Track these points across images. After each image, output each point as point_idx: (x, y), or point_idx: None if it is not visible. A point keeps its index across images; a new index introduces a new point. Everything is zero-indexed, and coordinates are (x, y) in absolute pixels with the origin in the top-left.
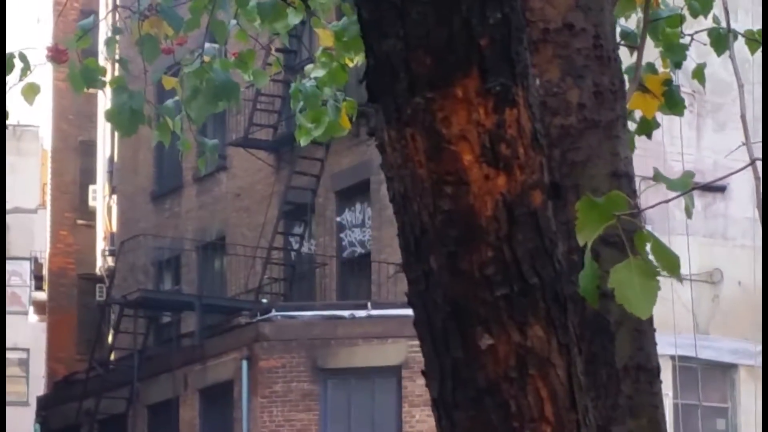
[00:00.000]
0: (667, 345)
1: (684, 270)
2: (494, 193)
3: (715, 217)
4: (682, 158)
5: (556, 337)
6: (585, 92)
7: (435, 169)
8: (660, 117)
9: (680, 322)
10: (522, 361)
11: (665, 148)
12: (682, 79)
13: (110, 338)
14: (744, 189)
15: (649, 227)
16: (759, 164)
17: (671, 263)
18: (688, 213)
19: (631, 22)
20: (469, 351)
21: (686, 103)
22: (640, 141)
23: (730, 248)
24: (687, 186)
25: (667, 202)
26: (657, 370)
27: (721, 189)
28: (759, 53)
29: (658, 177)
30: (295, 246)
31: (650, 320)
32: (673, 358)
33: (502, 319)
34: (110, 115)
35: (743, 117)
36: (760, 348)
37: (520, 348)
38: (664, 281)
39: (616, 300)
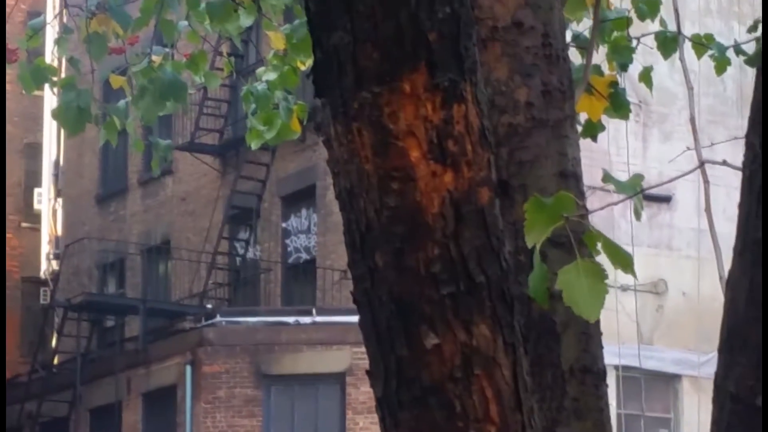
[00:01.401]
0: (611, 355)
1: (628, 280)
2: (441, 190)
3: (660, 228)
4: (628, 168)
5: (502, 336)
6: (533, 91)
7: (381, 165)
8: (606, 127)
9: (624, 332)
10: (467, 361)
11: (611, 158)
12: (629, 88)
13: (53, 341)
14: (689, 200)
15: None
16: (706, 167)
17: (624, 260)
18: (637, 215)
19: (582, 25)
20: (414, 350)
21: (632, 113)
22: (586, 150)
23: (674, 259)
24: (636, 188)
25: (616, 204)
26: (603, 373)
27: (667, 199)
28: (708, 61)
29: (607, 178)
30: (240, 251)
31: (597, 323)
32: (617, 368)
33: (447, 317)
34: (57, 114)
35: (692, 119)
36: (703, 359)
37: (466, 347)
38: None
39: (564, 302)
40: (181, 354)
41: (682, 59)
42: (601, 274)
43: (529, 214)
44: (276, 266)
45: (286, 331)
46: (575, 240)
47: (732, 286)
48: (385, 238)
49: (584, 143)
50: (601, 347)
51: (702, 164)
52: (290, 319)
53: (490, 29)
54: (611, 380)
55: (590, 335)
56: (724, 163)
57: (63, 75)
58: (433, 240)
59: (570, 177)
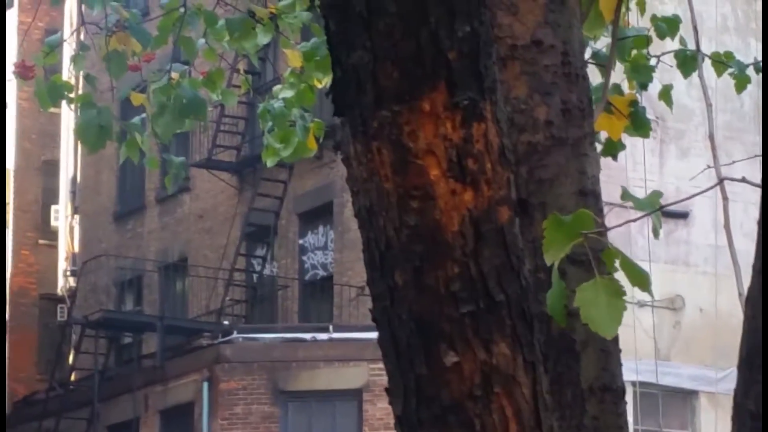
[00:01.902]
0: (628, 371)
1: (646, 296)
2: (461, 209)
3: (677, 244)
4: (645, 184)
5: (522, 354)
6: (553, 109)
7: (401, 184)
8: (623, 142)
9: (641, 348)
10: (487, 379)
11: (628, 174)
12: (646, 104)
13: (71, 358)
14: (706, 216)
15: None
16: (725, 184)
17: (641, 279)
18: (656, 233)
19: (600, 42)
20: (433, 368)
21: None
22: (602, 166)
23: (692, 275)
24: (654, 205)
25: (634, 221)
26: (622, 391)
27: (684, 215)
28: (725, 77)
29: (626, 196)
30: (257, 268)
31: (616, 340)
32: (634, 384)
33: (467, 336)
34: (78, 131)
35: (711, 136)
36: (721, 375)
37: (486, 365)
38: (627, 307)
39: (581, 319)
40: (198, 371)
41: (701, 77)
42: (619, 291)
43: (548, 232)
44: (293, 283)
45: (303, 348)
46: (594, 258)
47: (752, 303)
48: (405, 257)
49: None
50: (620, 365)
51: (721, 181)
52: (307, 336)
53: (509, 48)
54: (628, 396)
55: (609, 353)
56: (744, 180)
57: (80, 92)
58: (452, 258)
59: (589, 195)
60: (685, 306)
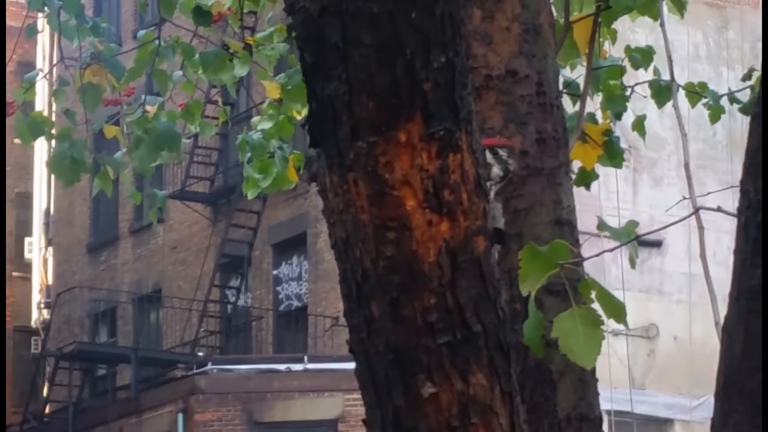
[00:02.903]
0: (603, 399)
1: (619, 325)
2: (437, 240)
3: (651, 272)
4: (618, 213)
5: (499, 385)
6: (528, 139)
7: (377, 215)
8: (596, 172)
9: (616, 377)
10: (464, 410)
11: (601, 203)
12: (619, 133)
13: (45, 391)
14: (680, 244)
15: None
16: (701, 213)
17: (617, 310)
18: (632, 263)
19: (574, 72)
20: (411, 399)
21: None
22: (575, 195)
23: (665, 303)
24: (631, 235)
25: (611, 250)
26: (599, 421)
27: (657, 244)
28: (698, 106)
29: (602, 226)
30: (232, 299)
31: (593, 370)
32: (608, 412)
33: (444, 366)
34: (52, 165)
35: (686, 166)
36: (695, 403)
37: (463, 396)
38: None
39: (560, 349)
40: (173, 402)
41: (676, 107)
42: (597, 321)
43: (523, 262)
44: (267, 314)
45: (278, 379)
46: (570, 288)
47: (728, 332)
48: (382, 288)
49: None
50: (597, 394)
51: (697, 210)
52: (282, 367)
53: (484, 78)
54: (603, 425)
55: (586, 383)
56: (719, 209)
57: (55, 126)
58: (429, 289)
59: (565, 225)
60: (659, 334)
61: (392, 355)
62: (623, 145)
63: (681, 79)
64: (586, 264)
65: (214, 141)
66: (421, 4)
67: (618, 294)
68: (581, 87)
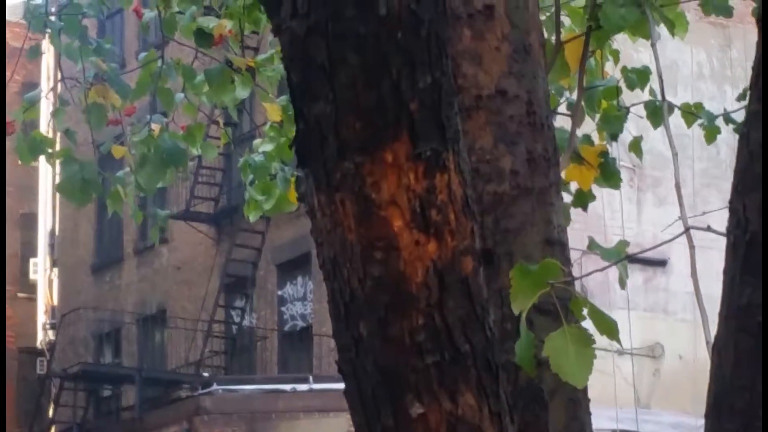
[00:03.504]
0: (607, 419)
1: (625, 344)
2: (425, 260)
3: (656, 291)
4: (622, 232)
5: (488, 405)
6: (518, 159)
7: (365, 235)
8: (601, 191)
9: (621, 396)
10: (453, 430)
11: (606, 222)
12: (623, 153)
13: (50, 411)
14: (684, 263)
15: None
16: (692, 233)
17: (609, 327)
18: (622, 283)
19: (575, 92)
20: (399, 419)
21: (626, 177)
22: (580, 214)
23: (670, 322)
24: (620, 254)
25: (602, 270)
26: None
27: (662, 263)
28: (695, 127)
29: (592, 246)
30: (236, 319)
31: (585, 389)
32: None
33: (433, 387)
34: (61, 187)
35: (677, 185)
36: (700, 422)
37: (451, 416)
38: (606, 355)
39: (552, 368)
40: (177, 422)
41: (666, 126)
42: (588, 340)
43: (514, 281)
44: (272, 334)
45: (282, 399)
46: (561, 307)
47: (718, 351)
48: (369, 308)
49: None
50: (589, 414)
51: (687, 230)
52: (287, 387)
53: (474, 98)
54: None
55: (578, 402)
56: (709, 228)
57: (59, 146)
58: (417, 309)
59: (556, 244)
60: (664, 354)
61: (380, 375)
62: (627, 164)
63: (685, 98)
64: (590, 283)
65: (218, 161)
66: (406, 24)
67: (623, 313)
68: (582, 107)
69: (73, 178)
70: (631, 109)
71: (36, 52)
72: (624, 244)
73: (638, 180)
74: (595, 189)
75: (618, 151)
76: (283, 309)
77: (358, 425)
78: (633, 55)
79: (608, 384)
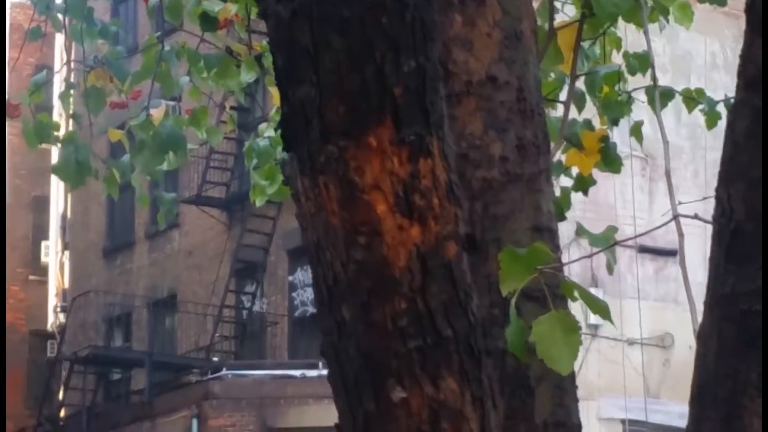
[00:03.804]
0: (617, 409)
1: (635, 334)
2: (408, 244)
3: (667, 281)
4: (634, 222)
5: (470, 390)
6: (508, 145)
7: (348, 219)
8: (613, 181)
9: (631, 386)
10: (435, 415)
11: (617, 212)
12: (635, 143)
13: (60, 394)
14: (696, 253)
15: (600, 291)
16: (681, 220)
17: (601, 309)
18: (609, 269)
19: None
20: (381, 404)
21: (638, 167)
22: (592, 203)
23: (681, 312)
24: (609, 240)
25: (590, 256)
26: (577, 428)
27: (673, 253)
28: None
29: (580, 231)
30: (247, 304)
31: (571, 376)
32: (623, 421)
33: (415, 371)
34: (56, 169)
35: (668, 173)
36: None
37: (433, 401)
38: (616, 345)
39: (538, 354)
40: (187, 407)
41: (657, 114)
42: (575, 326)
43: (503, 265)
44: (282, 319)
45: (292, 385)
46: (550, 293)
47: (702, 340)
48: (352, 292)
49: (591, 197)
50: (576, 401)
51: (675, 217)
52: (296, 373)
53: (464, 84)
54: None
55: (564, 389)
56: (696, 216)
57: (69, 129)
58: (399, 294)
59: (545, 231)
60: (674, 343)
61: (362, 360)
62: (639, 153)
63: (697, 87)
64: (603, 273)
65: (230, 146)
66: (391, 8)
67: (633, 303)
68: (583, 92)
69: (67, 160)
70: (630, 95)
71: (37, 34)
72: (613, 230)
73: (650, 170)
74: (608, 179)
75: (630, 140)
76: (294, 295)
77: (340, 409)
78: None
79: (618, 373)
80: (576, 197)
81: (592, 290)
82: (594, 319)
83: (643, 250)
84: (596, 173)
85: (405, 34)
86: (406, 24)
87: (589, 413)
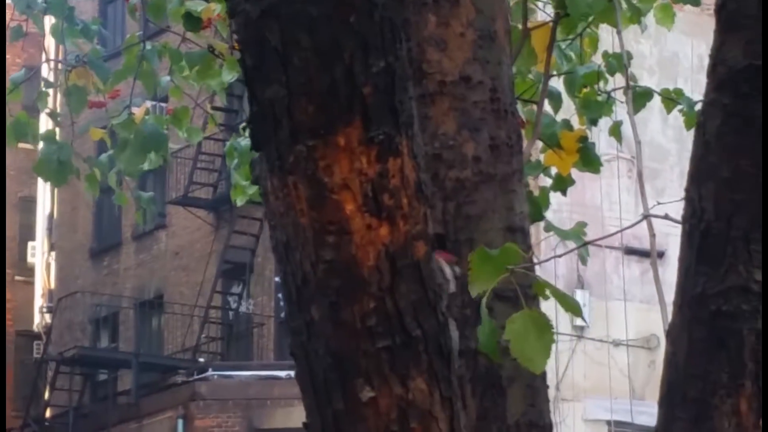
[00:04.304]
0: (603, 410)
1: (621, 335)
2: (377, 244)
3: (652, 283)
4: (620, 223)
5: (439, 390)
6: (481, 146)
7: (317, 218)
8: (599, 183)
9: (616, 387)
10: (403, 415)
11: (603, 213)
12: (622, 145)
13: (46, 395)
14: None
15: (585, 292)
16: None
17: (573, 307)
18: (583, 261)
19: (554, 80)
20: (350, 403)
21: (625, 169)
22: (578, 205)
23: (667, 314)
24: (579, 236)
25: (563, 255)
26: (549, 428)
27: (659, 255)
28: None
29: (549, 227)
30: (233, 305)
31: (543, 377)
32: (609, 423)
33: (383, 371)
34: (38, 168)
35: (639, 173)
36: None
37: (402, 401)
38: (601, 346)
39: (511, 353)
40: (173, 408)
41: (630, 114)
42: (547, 325)
43: (474, 265)
44: (269, 320)
45: (278, 386)
46: (522, 293)
47: (672, 340)
48: (321, 292)
49: (577, 198)
50: (548, 401)
51: (645, 217)
52: (283, 374)
53: (437, 84)
54: None
55: (536, 389)
56: (666, 216)
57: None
58: (368, 293)
59: (517, 231)
60: (660, 345)
61: (331, 359)
62: (625, 155)
63: (685, 90)
64: (589, 275)
65: (217, 147)
66: (360, 7)
67: (619, 304)
68: (559, 92)
69: (49, 159)
70: (609, 95)
71: (19, 34)
72: (582, 225)
73: (636, 172)
74: (594, 180)
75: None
76: (280, 296)
77: (308, 409)
78: (634, 47)
79: (603, 375)
80: (562, 199)
81: (578, 292)
82: (580, 320)
83: (630, 251)
84: (582, 175)
85: (374, 33)
86: (375, 23)
87: (574, 414)
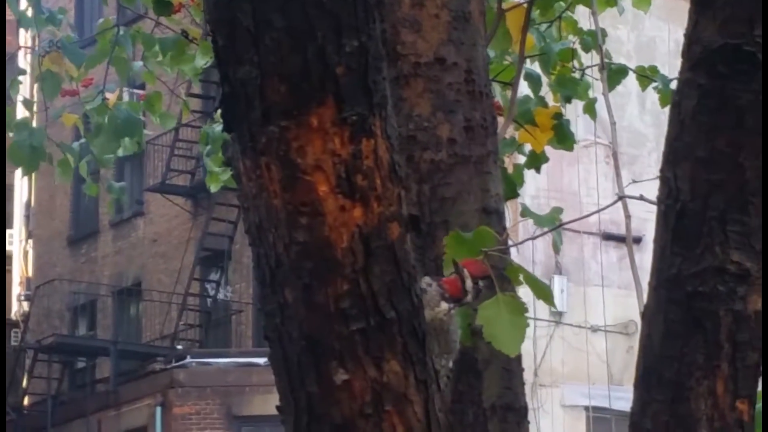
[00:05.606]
0: (581, 396)
1: (599, 321)
2: (350, 225)
3: (630, 269)
4: (598, 208)
5: (414, 372)
6: (456, 127)
7: (290, 200)
8: (577, 168)
9: (594, 373)
10: (378, 397)
11: (581, 199)
12: (599, 130)
13: (24, 383)
14: None
15: (563, 278)
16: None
17: (544, 293)
18: (556, 248)
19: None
20: (324, 386)
21: (602, 154)
22: (556, 191)
23: (645, 300)
24: (554, 221)
25: (534, 238)
26: (525, 410)
27: (637, 240)
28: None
29: (525, 212)
30: (212, 292)
31: (518, 359)
32: (587, 408)
33: (357, 353)
34: (11, 153)
35: (615, 154)
36: None
37: (376, 383)
38: (579, 332)
39: (484, 337)
40: (151, 395)
41: (605, 94)
42: (521, 309)
43: (448, 248)
44: (247, 307)
45: (257, 373)
46: (496, 275)
47: (648, 321)
48: (295, 274)
49: (555, 184)
50: (523, 384)
51: (620, 198)
52: (261, 361)
53: (412, 65)
54: (581, 421)
55: (512, 372)
56: (641, 197)
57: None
58: (342, 275)
59: (492, 213)
60: (638, 331)
61: (305, 342)
62: (603, 141)
63: (663, 71)
64: (567, 261)
65: (194, 134)
66: None
67: (597, 290)
68: (539, 74)
69: (21, 144)
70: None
71: None
72: (557, 210)
73: (614, 157)
74: (572, 166)
75: (595, 127)
76: None
77: (282, 392)
78: (611, 32)
79: (581, 361)
80: (540, 185)
81: (556, 278)
82: (559, 306)
83: (608, 237)
84: (560, 161)
85: (347, 12)
86: (348, 3)
87: (552, 400)
